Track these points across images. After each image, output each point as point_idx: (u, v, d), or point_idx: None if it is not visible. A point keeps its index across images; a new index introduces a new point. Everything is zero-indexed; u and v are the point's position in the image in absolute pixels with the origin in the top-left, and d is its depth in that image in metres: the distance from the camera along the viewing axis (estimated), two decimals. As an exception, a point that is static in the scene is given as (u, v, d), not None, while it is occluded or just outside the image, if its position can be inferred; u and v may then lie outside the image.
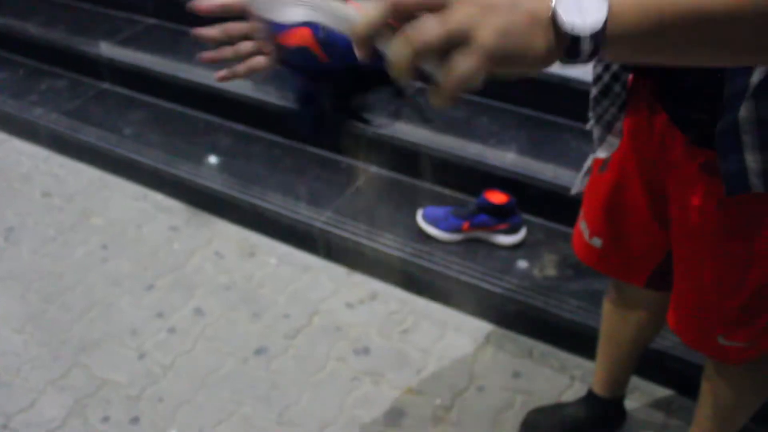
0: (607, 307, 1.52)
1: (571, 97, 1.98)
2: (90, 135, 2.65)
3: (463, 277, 1.98)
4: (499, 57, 0.56)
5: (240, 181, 2.36)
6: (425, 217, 2.10)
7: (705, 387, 1.40)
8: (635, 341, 1.53)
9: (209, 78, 2.64)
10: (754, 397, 1.37)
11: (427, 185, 2.29)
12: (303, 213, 2.21)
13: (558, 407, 1.76)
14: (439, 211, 2.10)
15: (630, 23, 0.58)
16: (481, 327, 2.01)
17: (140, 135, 2.63)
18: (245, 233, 2.35)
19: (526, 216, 2.09)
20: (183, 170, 2.44)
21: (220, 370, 1.92)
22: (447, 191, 2.26)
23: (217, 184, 2.37)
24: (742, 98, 0.87)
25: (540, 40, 0.57)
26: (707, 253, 1.10)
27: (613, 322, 1.52)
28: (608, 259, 1.34)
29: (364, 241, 2.10)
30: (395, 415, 1.80)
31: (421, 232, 2.09)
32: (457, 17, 0.56)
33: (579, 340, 1.88)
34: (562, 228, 2.07)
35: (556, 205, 2.01)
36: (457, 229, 2.05)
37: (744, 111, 0.88)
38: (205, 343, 2.00)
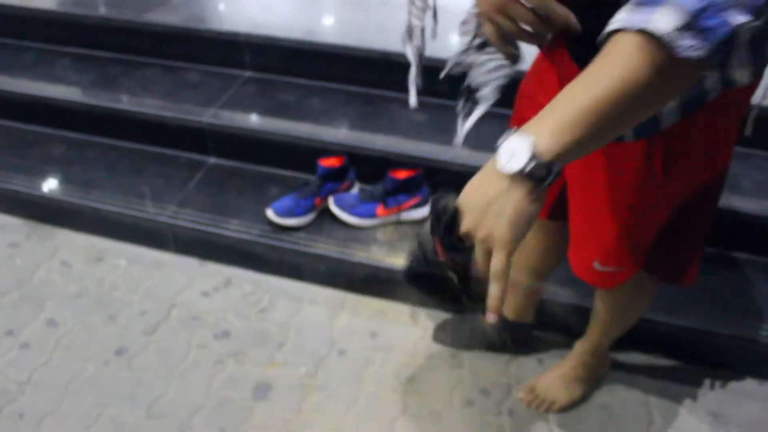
0: None
1: (393, 70, 2.10)
2: None
3: (311, 250, 2.06)
4: (518, 239, 0.75)
5: (79, 188, 2.32)
6: (278, 212, 2.11)
7: (595, 307, 1.64)
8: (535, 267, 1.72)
9: (34, 88, 2.56)
10: (629, 311, 1.63)
11: (266, 169, 2.36)
12: (148, 210, 2.21)
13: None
14: (286, 200, 2.13)
15: (560, 144, 0.72)
16: (335, 295, 2.11)
17: (-35, 154, 2.53)
18: (91, 239, 2.33)
19: (362, 185, 2.20)
20: (17, 184, 2.36)
21: (81, 376, 1.91)
22: (287, 172, 2.33)
23: (56, 193, 2.32)
24: None
25: (522, 197, 0.74)
26: (590, 187, 1.25)
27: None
28: None
29: (212, 230, 2.13)
30: (263, 389, 1.86)
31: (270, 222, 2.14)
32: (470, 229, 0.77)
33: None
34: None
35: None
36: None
37: None
38: (62, 352, 1.97)
